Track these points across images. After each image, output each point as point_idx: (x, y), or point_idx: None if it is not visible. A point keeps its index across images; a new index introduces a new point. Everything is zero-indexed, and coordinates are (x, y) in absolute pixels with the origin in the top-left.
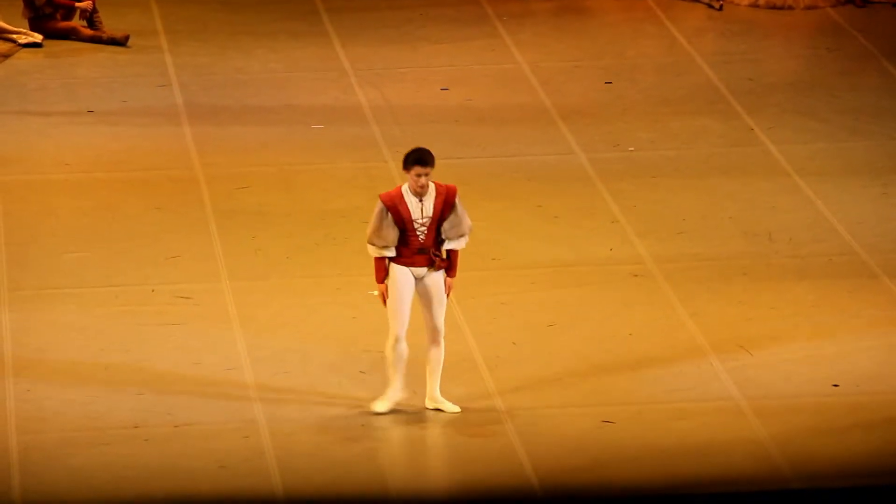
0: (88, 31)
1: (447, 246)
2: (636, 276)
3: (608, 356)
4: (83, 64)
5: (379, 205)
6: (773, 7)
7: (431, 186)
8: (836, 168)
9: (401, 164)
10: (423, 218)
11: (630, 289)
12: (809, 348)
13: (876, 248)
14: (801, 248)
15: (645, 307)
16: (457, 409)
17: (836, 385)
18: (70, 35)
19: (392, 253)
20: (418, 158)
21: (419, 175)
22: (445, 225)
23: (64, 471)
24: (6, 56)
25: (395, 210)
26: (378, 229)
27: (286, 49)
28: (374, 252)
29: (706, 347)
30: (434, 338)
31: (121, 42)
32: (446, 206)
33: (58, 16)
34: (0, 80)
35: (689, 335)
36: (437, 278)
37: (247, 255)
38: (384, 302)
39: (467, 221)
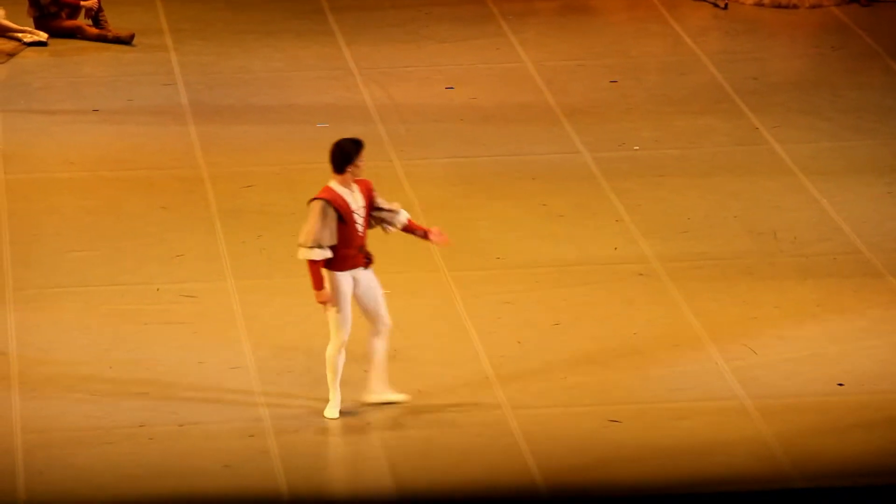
0: (94, 30)
1: (402, 217)
2: (641, 275)
3: (612, 355)
4: (88, 63)
5: (319, 203)
6: (778, 6)
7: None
8: (841, 167)
9: (405, 164)
10: (358, 208)
11: (634, 288)
12: (814, 347)
13: (880, 246)
14: (806, 247)
15: (649, 306)
16: (403, 396)
17: (840, 384)
18: (75, 34)
19: (330, 254)
20: (359, 144)
21: (363, 160)
22: (383, 205)
23: (68, 470)
24: (11, 55)
25: (336, 203)
26: (322, 228)
27: (290, 48)
28: (317, 255)
29: (710, 346)
30: (381, 330)
31: (126, 41)
32: (369, 191)
33: (63, 14)
34: (5, 79)
35: (693, 334)
36: (370, 275)
37: (251, 254)
38: (326, 307)
39: (394, 203)
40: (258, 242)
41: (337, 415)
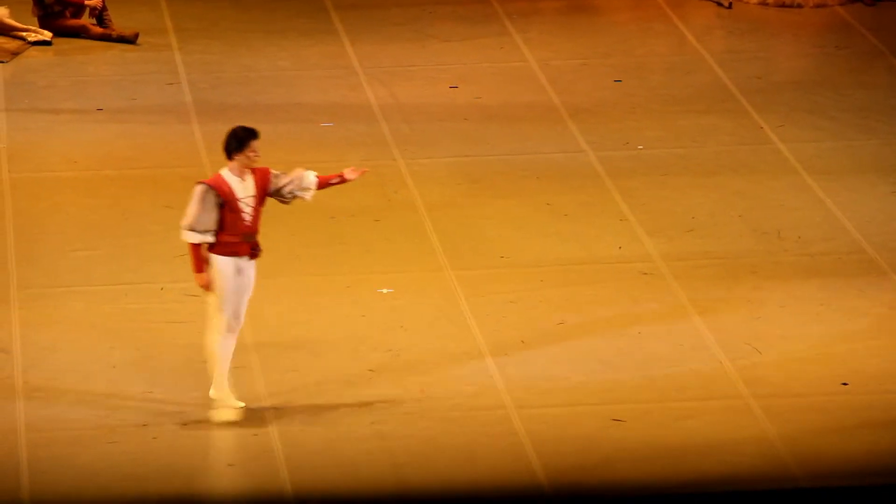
0: (98, 29)
1: (310, 179)
2: (645, 274)
3: (617, 354)
4: (92, 62)
5: (200, 186)
6: (783, 5)
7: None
8: (845, 166)
9: (409, 163)
10: (246, 196)
11: (639, 287)
12: (818, 347)
13: (885, 246)
14: (810, 246)
15: (654, 305)
16: (240, 404)
17: (845, 383)
18: (80, 33)
19: (212, 238)
20: (251, 133)
21: (255, 150)
22: (284, 181)
23: (72, 469)
24: (16, 54)
25: (219, 189)
26: (200, 212)
27: (295, 47)
28: (194, 238)
29: (715, 346)
30: (234, 327)
31: (130, 40)
32: (264, 179)
33: (67, 14)
34: (9, 78)
35: (697, 333)
36: (252, 271)
37: None
38: (206, 289)
39: (293, 173)
40: (262, 242)
41: (224, 399)
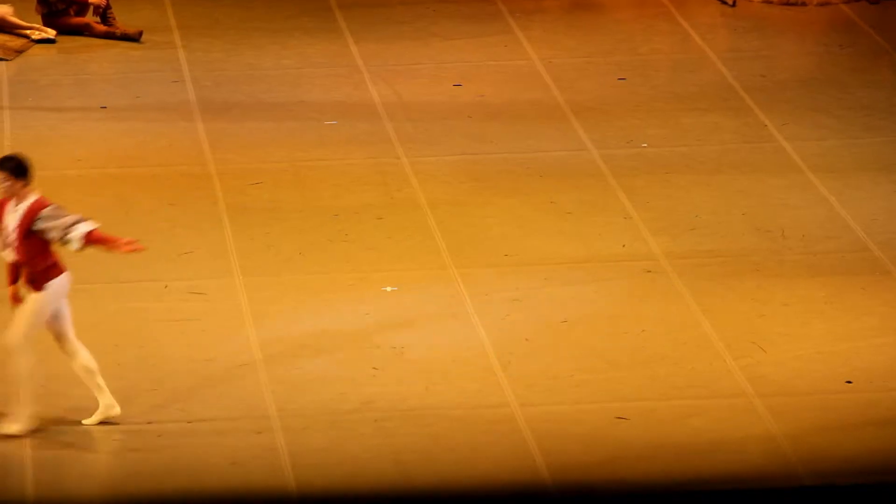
0: (101, 28)
1: (79, 231)
2: (649, 272)
3: (621, 353)
4: (96, 60)
5: None
6: (786, 3)
7: (32, 199)
8: (849, 164)
9: (413, 161)
10: (7, 226)
11: (643, 285)
12: (822, 345)
13: (889, 244)
14: (814, 244)
15: (657, 303)
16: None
17: (849, 382)
18: (83, 31)
19: (7, 256)
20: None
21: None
22: (49, 231)
23: (76, 467)
24: (19, 52)
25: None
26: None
27: (299, 45)
28: None
29: (719, 344)
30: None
31: (134, 38)
32: (32, 214)
33: (71, 11)
34: (13, 76)
35: (701, 332)
36: (29, 297)
37: (260, 251)
38: (11, 303)
39: (67, 219)
40: (266, 239)
41: (14, 430)
